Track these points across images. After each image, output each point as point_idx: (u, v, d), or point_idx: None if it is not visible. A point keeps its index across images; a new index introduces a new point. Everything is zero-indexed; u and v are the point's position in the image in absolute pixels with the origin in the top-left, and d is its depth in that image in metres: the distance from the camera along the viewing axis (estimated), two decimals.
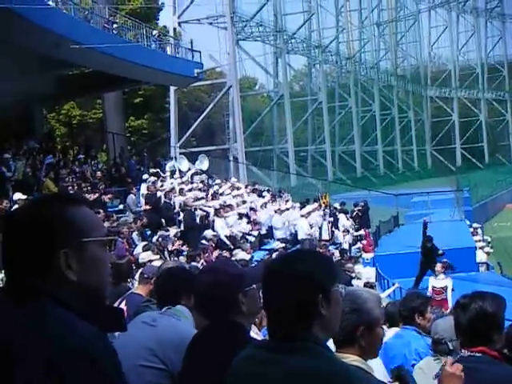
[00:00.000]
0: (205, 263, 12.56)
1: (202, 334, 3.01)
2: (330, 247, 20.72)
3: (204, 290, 2.99)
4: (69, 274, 1.72)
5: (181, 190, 20.19)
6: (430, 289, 15.48)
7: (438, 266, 16.08)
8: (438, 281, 15.67)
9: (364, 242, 24.34)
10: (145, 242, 13.76)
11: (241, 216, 20.32)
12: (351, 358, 2.73)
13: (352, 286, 14.08)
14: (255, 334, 4.94)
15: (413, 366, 4.70)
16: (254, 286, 2.99)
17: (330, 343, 2.58)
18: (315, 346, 2.09)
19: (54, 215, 1.74)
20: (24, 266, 1.70)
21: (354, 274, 16.92)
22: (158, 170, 23.58)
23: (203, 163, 26.63)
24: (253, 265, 13.44)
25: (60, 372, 1.55)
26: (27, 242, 1.71)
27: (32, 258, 1.70)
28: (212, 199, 20.92)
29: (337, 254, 19.67)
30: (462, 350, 3.29)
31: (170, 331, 3.40)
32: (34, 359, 1.55)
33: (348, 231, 24.31)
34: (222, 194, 22.33)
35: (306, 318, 2.12)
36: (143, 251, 11.10)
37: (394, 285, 16.88)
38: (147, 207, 18.41)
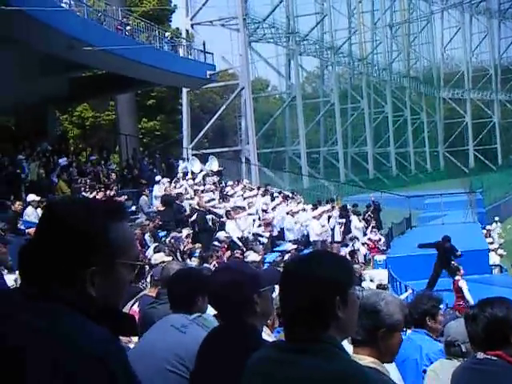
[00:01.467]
0: (217, 265, 12.57)
1: (215, 335, 3.01)
2: (342, 249, 20.68)
3: (219, 289, 2.99)
4: (90, 289, 1.72)
5: (194, 192, 20.24)
6: (467, 293, 15.33)
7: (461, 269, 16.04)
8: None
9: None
10: (157, 244, 13.79)
11: (253, 218, 20.32)
12: (368, 360, 2.73)
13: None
14: (267, 335, 4.92)
15: (424, 371, 4.66)
16: (269, 287, 2.99)
17: (346, 342, 2.58)
18: (332, 348, 2.09)
19: (99, 232, 1.72)
20: (49, 270, 1.69)
21: (363, 277, 16.89)
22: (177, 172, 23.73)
23: (213, 164, 26.64)
24: (265, 267, 13.46)
25: (68, 373, 1.55)
26: (63, 250, 1.69)
27: (62, 266, 1.69)
28: (224, 201, 20.94)
29: (348, 256, 19.62)
30: (478, 353, 3.28)
31: (199, 342, 3.35)
32: (42, 359, 1.56)
33: (360, 233, 24.26)
34: (233, 196, 22.34)
35: (322, 320, 2.11)
36: (154, 253, 11.12)
37: (406, 291, 16.78)
38: (163, 208, 18.43)
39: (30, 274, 1.73)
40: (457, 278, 15.72)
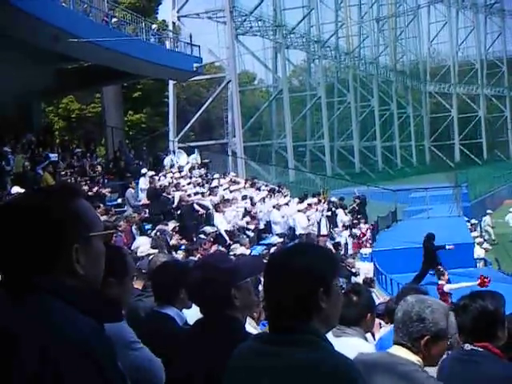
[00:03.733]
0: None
1: (197, 328, 3.02)
2: (328, 242, 20.70)
3: (196, 286, 2.99)
4: (77, 268, 1.74)
5: (178, 185, 20.20)
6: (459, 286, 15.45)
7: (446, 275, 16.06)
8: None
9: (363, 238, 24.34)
10: (145, 237, 13.75)
11: (238, 211, 20.31)
12: (414, 358, 2.82)
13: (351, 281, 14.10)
14: (253, 328, 4.94)
15: None
16: (248, 279, 2.98)
17: (331, 334, 2.58)
18: (315, 339, 2.10)
19: (64, 209, 1.74)
20: (29, 260, 1.69)
21: (354, 270, 16.93)
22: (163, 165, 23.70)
23: (197, 158, 26.67)
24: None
25: (56, 361, 1.55)
26: (35, 236, 1.69)
27: (39, 253, 1.69)
28: (210, 194, 20.91)
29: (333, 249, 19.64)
30: (466, 344, 3.30)
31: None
32: (29, 348, 1.56)
33: (346, 226, 24.33)
34: (219, 187, 22.30)
35: (306, 311, 2.12)
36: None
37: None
38: (147, 202, 18.40)
39: (10, 269, 1.72)
40: (440, 282, 15.76)
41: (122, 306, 3.34)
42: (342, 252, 20.55)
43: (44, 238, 1.69)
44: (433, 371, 3.03)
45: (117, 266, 3.21)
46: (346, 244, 22.89)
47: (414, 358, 2.81)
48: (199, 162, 26.19)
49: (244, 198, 21.41)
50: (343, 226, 23.99)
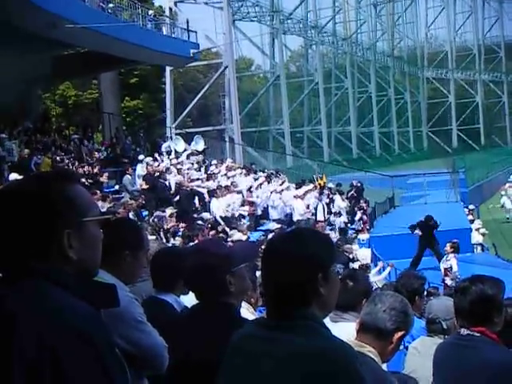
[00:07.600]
0: None
1: (192, 314, 3.03)
2: (326, 228, 20.73)
3: (190, 272, 3.00)
4: (70, 253, 1.74)
5: (178, 171, 20.19)
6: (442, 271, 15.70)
7: (447, 246, 16.20)
8: (444, 262, 15.85)
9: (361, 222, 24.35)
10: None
11: (237, 197, 20.31)
12: (367, 349, 2.76)
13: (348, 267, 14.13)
14: (251, 313, 4.94)
15: (406, 347, 4.72)
16: (243, 265, 2.99)
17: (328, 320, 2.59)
18: (314, 325, 2.10)
19: (57, 194, 1.74)
20: (23, 246, 1.70)
21: (352, 256, 16.95)
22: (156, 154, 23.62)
23: (199, 144, 26.49)
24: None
25: (53, 347, 1.56)
26: (28, 221, 1.69)
27: (33, 238, 1.70)
28: (208, 180, 20.91)
29: (333, 234, 19.67)
30: (462, 329, 3.32)
31: None
32: (27, 334, 1.57)
33: (343, 212, 24.33)
34: (217, 174, 22.30)
35: (305, 297, 2.13)
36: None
37: (389, 266, 16.83)
38: (145, 187, 18.40)
39: (5, 254, 1.73)
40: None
41: (132, 280, 3.34)
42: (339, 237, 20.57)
43: (36, 224, 1.70)
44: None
45: (132, 240, 3.24)
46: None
47: (367, 350, 2.79)
48: (200, 148, 26.05)
49: (233, 183, 21.19)
50: (340, 212, 23.97)
